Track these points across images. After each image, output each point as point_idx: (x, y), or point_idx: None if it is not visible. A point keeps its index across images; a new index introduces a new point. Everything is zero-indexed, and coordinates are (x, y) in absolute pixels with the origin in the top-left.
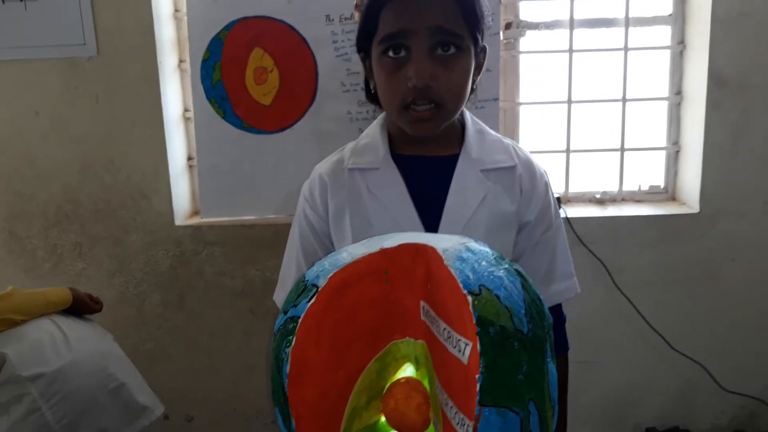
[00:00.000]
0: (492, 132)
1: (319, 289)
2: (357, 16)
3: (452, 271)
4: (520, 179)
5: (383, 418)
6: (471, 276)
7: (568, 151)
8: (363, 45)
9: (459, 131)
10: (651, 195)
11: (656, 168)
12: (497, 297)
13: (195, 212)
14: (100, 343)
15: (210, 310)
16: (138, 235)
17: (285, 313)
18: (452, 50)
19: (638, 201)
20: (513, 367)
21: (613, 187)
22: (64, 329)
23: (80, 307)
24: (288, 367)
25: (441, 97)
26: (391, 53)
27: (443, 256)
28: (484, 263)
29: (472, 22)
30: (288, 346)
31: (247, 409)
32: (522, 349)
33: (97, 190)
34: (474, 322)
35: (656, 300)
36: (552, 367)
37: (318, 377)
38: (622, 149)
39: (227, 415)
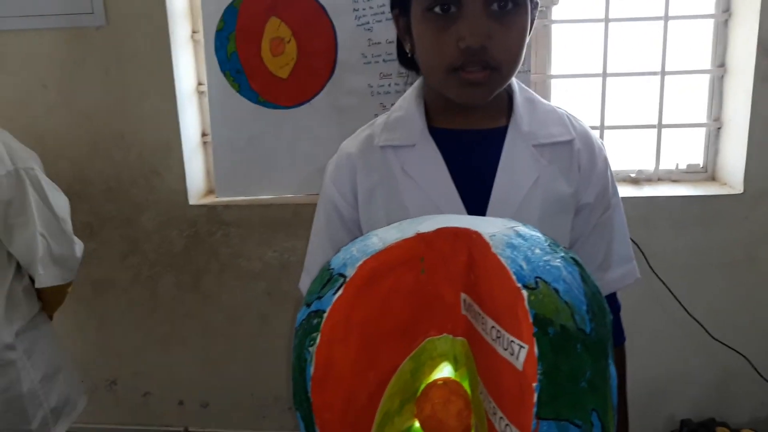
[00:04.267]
0: (544, 101)
1: (347, 279)
2: None
3: (502, 260)
4: (579, 155)
5: (417, 423)
6: (525, 266)
7: (602, 127)
8: (399, 0)
9: (506, 100)
10: (689, 174)
11: (695, 146)
12: (556, 291)
13: (210, 191)
14: None
15: (226, 292)
16: (150, 214)
17: (308, 305)
18: (509, 6)
19: (675, 181)
20: (575, 373)
21: (649, 166)
22: None
23: None
24: (312, 369)
25: (496, 59)
26: (437, 9)
27: (490, 243)
28: (538, 251)
29: None
30: (312, 345)
31: (263, 395)
32: (585, 352)
33: (108, 167)
34: (530, 321)
35: (694, 285)
36: (613, 370)
37: (346, 379)
38: (660, 125)
39: (243, 401)
